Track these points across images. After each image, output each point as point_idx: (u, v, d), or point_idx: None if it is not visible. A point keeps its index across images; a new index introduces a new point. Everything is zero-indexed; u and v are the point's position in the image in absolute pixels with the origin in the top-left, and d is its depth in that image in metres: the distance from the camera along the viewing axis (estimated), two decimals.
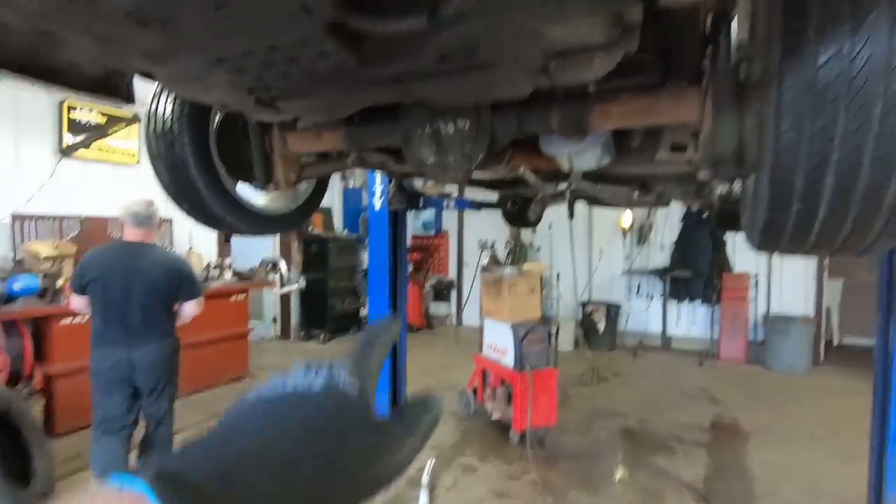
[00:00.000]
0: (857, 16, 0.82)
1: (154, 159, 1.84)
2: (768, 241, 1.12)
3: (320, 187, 2.39)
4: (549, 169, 2.14)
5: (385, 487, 0.35)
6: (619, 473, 3.57)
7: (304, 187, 2.33)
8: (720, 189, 2.13)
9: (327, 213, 8.04)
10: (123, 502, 0.25)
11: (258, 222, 2.10)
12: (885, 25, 0.81)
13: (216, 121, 1.92)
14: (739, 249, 6.75)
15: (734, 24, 1.28)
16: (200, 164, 1.78)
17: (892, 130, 0.84)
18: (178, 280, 2.92)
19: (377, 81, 1.18)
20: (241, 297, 5.37)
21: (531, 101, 1.48)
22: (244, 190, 2.12)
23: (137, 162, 5.23)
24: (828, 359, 6.49)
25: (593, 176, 2.67)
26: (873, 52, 0.81)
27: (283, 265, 5.84)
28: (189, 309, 2.99)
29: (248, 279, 5.64)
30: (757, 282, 6.67)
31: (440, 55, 0.99)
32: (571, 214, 3.34)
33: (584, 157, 1.84)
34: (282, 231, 2.27)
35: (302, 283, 6.53)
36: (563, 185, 3.05)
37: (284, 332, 7.45)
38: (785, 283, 6.62)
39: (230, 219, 1.97)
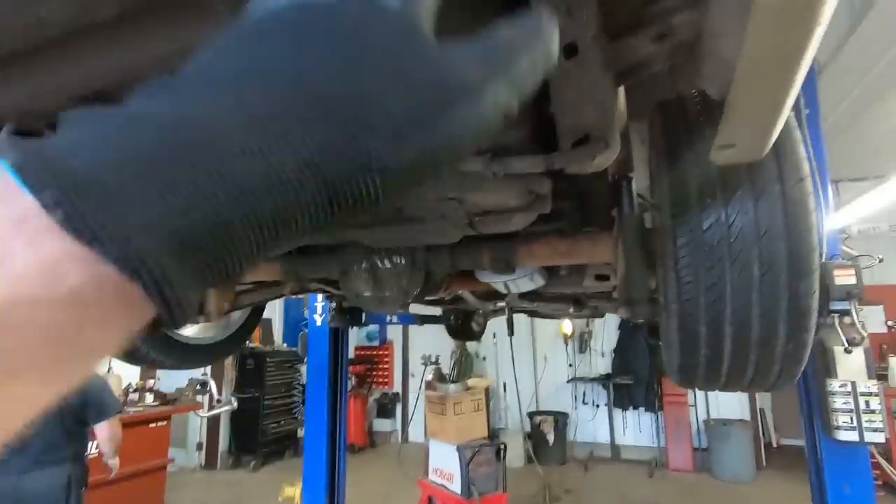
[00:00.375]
0: (727, 191, 0.96)
1: None
2: (685, 379, 1.18)
3: (256, 313, 2.33)
4: (486, 290, 2.22)
5: (447, 154, 0.22)
6: None
7: (238, 315, 2.26)
8: None
9: (267, 324, 7.73)
10: None
11: (185, 355, 1.99)
12: (749, 200, 0.95)
13: None
14: None
15: (637, 178, 1.45)
16: None
17: (772, 290, 0.95)
18: (83, 397, 2.58)
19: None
20: (163, 423, 4.87)
21: (464, 242, 1.58)
22: None
23: None
24: (770, 463, 6.56)
25: (529, 295, 2.78)
26: (744, 222, 0.94)
27: (212, 385, 5.41)
28: (102, 433, 2.66)
29: (173, 402, 5.17)
30: None
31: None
32: (511, 331, 3.41)
33: (517, 283, 1.93)
34: (213, 362, 2.16)
35: (233, 403, 6.03)
36: (501, 304, 3.14)
37: (210, 461, 6.71)
38: None
39: (152, 353, 1.85)
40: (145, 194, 0.17)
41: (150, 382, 5.22)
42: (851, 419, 2.47)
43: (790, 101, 0.74)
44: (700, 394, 6.87)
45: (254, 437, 6.68)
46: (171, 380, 6.09)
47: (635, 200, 1.33)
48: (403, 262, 1.56)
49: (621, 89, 0.99)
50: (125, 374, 5.20)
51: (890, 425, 5.16)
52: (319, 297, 3.91)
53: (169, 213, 0.17)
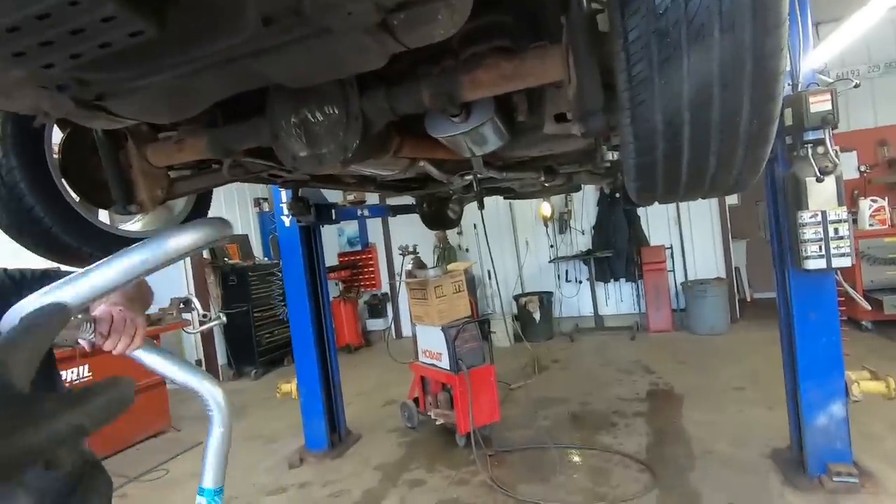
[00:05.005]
0: None
1: None
2: (645, 189, 1.09)
3: (201, 203, 2.18)
4: (447, 158, 2.07)
5: (32, 457, 0.33)
6: (566, 459, 3.56)
7: (181, 206, 2.11)
8: (610, 156, 2.16)
9: (244, 240, 7.61)
10: None
11: None
12: None
13: (58, 139, 1.69)
14: (653, 224, 7.12)
15: None
16: (37, 189, 1.54)
17: (734, 52, 0.82)
18: None
19: (208, 63, 1.04)
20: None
21: (400, 79, 1.40)
22: (115, 216, 1.89)
23: None
24: (743, 315, 6.95)
25: (496, 166, 2.64)
26: None
27: (196, 301, 5.40)
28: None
29: (157, 323, 5.17)
30: (672, 252, 7.05)
31: (262, 18, 0.88)
32: (481, 205, 3.32)
33: (476, 139, 1.77)
34: None
35: (223, 318, 6.07)
36: (468, 177, 3.01)
37: (212, 375, 6.92)
38: (697, 250, 7.03)
39: (90, 249, 1.72)
40: None
41: None
42: (820, 248, 2.50)
43: None
44: (678, 259, 7.07)
45: (250, 349, 6.85)
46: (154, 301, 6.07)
47: None
48: (336, 111, 1.40)
49: None
50: None
51: (857, 263, 5.38)
52: (284, 197, 3.74)
53: None
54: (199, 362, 6.85)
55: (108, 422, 0.38)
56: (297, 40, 0.98)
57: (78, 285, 0.73)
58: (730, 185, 1.06)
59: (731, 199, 7.19)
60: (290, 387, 4.10)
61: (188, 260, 6.82)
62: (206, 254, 6.84)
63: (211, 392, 1.20)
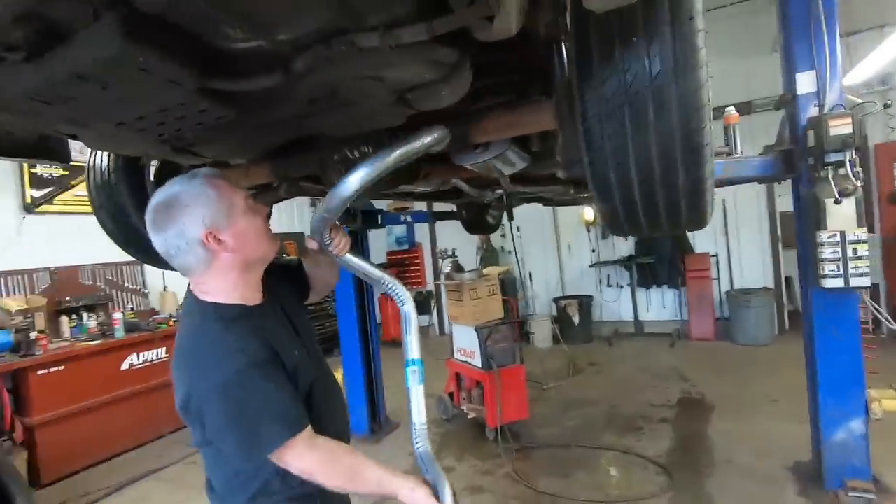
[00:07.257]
0: (624, 39, 1.02)
1: (97, 209, 2.00)
2: (613, 226, 1.31)
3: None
4: (472, 177, 2.33)
5: None
6: (589, 458, 3.73)
7: None
8: None
9: (300, 237, 8.17)
10: None
11: None
12: (643, 48, 1.00)
13: (154, 168, 2.09)
14: (698, 233, 7.03)
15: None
16: (139, 208, 1.94)
17: (666, 128, 1.04)
18: None
19: (269, 124, 1.36)
20: None
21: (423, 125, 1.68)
22: None
23: None
24: (793, 327, 6.74)
25: (522, 180, 2.87)
26: (637, 68, 1.01)
27: None
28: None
29: None
30: (717, 260, 6.94)
31: (308, 99, 1.18)
32: (511, 216, 3.55)
33: (503, 161, 2.02)
34: None
35: None
36: (500, 191, 3.25)
37: None
38: (744, 258, 6.89)
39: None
40: None
41: None
42: (838, 267, 2.56)
43: None
44: (724, 266, 6.96)
45: None
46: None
47: (566, 64, 1.38)
48: (370, 150, 1.69)
49: None
50: (181, 293, 5.76)
51: None
52: None
53: None
54: None
55: None
56: (332, 109, 1.28)
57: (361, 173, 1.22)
58: (683, 227, 1.26)
59: (784, 206, 6.96)
60: (336, 376, 4.49)
61: None
62: None
63: (400, 287, 1.58)
